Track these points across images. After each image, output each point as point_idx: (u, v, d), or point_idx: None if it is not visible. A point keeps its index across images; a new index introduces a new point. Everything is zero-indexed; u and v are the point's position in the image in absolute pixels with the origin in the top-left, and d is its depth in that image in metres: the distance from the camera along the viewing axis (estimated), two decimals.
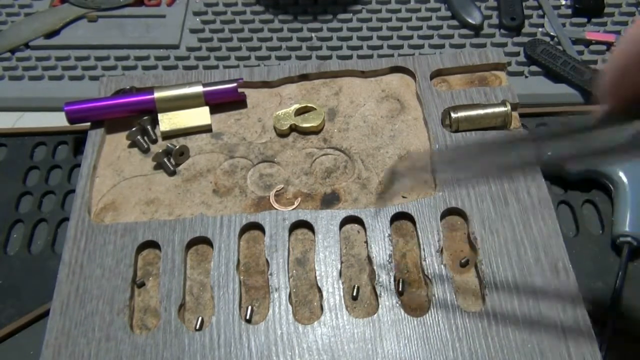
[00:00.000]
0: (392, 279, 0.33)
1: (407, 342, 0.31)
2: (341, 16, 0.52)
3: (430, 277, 0.33)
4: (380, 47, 0.50)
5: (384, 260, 0.34)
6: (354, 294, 0.33)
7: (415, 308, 0.33)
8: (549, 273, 0.32)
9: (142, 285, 0.34)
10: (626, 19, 0.50)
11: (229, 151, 0.40)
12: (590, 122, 0.24)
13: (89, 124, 0.41)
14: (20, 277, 0.38)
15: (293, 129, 0.40)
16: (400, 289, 0.33)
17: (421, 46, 0.50)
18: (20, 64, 0.50)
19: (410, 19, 0.51)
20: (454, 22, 0.51)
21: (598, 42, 0.48)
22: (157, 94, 0.40)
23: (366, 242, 0.35)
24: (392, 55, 0.49)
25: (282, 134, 0.40)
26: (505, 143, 0.26)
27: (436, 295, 0.32)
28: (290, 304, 0.33)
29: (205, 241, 0.35)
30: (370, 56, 0.49)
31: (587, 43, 0.48)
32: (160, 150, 0.38)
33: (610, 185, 0.38)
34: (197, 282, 0.34)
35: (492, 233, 0.34)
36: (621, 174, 0.37)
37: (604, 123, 0.23)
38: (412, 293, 0.33)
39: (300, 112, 0.41)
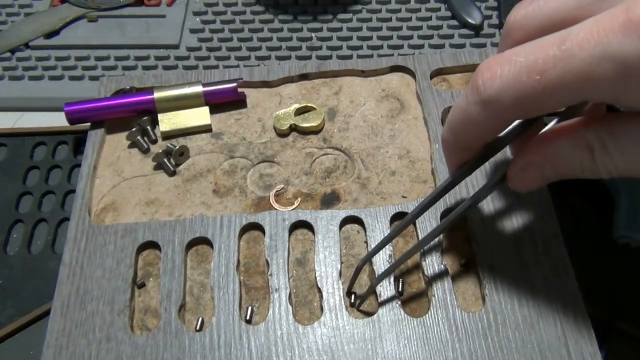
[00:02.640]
0: (392, 279, 0.33)
1: (407, 342, 0.31)
2: (341, 16, 0.52)
3: (430, 277, 0.33)
4: (380, 47, 0.50)
5: (384, 260, 0.34)
6: (400, 289, 0.33)
7: (415, 308, 0.33)
8: (549, 273, 0.32)
9: (142, 285, 0.34)
10: None
11: (229, 151, 0.40)
12: (445, 184, 0.29)
13: (89, 124, 0.41)
14: (20, 277, 0.38)
15: (293, 128, 0.40)
16: (400, 289, 0.33)
17: (421, 46, 0.50)
18: (20, 64, 0.50)
19: (410, 19, 0.52)
20: (454, 22, 0.51)
21: None
22: (157, 94, 0.40)
23: (366, 242, 0.35)
24: (392, 55, 0.49)
25: (282, 134, 0.40)
26: (399, 231, 0.31)
27: (436, 295, 0.32)
28: (290, 304, 0.33)
29: (205, 241, 0.35)
30: (370, 56, 0.49)
31: None
32: (160, 151, 0.38)
33: (610, 185, 0.38)
34: (197, 283, 0.34)
35: (492, 233, 0.34)
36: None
37: (451, 185, 0.29)
38: (412, 293, 0.33)
39: (300, 111, 0.41)
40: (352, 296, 0.33)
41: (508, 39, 0.24)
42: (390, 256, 0.34)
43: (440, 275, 0.33)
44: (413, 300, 0.33)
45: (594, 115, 0.23)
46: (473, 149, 0.27)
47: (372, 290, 0.32)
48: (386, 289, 0.33)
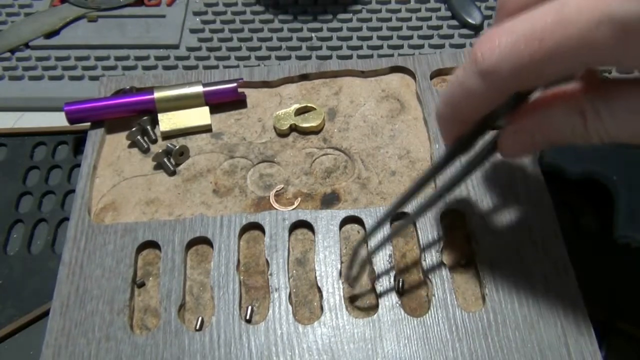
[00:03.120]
0: (392, 279, 0.33)
1: (407, 342, 0.31)
2: (341, 16, 0.52)
3: (430, 277, 0.33)
4: (380, 47, 0.50)
5: (384, 260, 0.34)
6: (400, 289, 0.33)
7: (415, 308, 0.33)
8: (549, 273, 0.32)
9: (142, 285, 0.34)
10: None
11: (229, 151, 0.40)
12: (439, 162, 0.29)
13: (89, 124, 0.41)
14: (20, 277, 0.38)
15: (293, 129, 0.40)
16: (400, 289, 0.33)
17: (421, 46, 0.50)
18: (20, 64, 0.50)
19: (410, 19, 0.52)
20: (454, 22, 0.51)
21: None
22: (157, 94, 0.40)
23: (366, 242, 0.35)
24: (392, 55, 0.49)
25: (282, 134, 0.40)
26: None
27: (436, 295, 0.32)
28: (290, 304, 0.33)
29: (205, 241, 0.35)
30: (370, 56, 0.49)
31: None
32: (160, 150, 0.38)
33: (610, 185, 0.38)
34: (197, 282, 0.34)
35: (492, 233, 0.34)
36: (621, 174, 0.37)
37: (449, 158, 0.28)
38: (412, 293, 0.33)
39: (300, 112, 0.41)
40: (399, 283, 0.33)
41: (503, 9, 0.25)
42: (390, 256, 0.34)
43: (440, 275, 0.33)
44: (413, 300, 0.33)
45: (587, 82, 0.23)
46: (470, 122, 0.26)
47: (365, 265, 0.32)
48: (386, 288, 0.33)
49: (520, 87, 0.23)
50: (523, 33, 0.21)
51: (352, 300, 0.33)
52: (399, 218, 0.35)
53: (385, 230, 0.35)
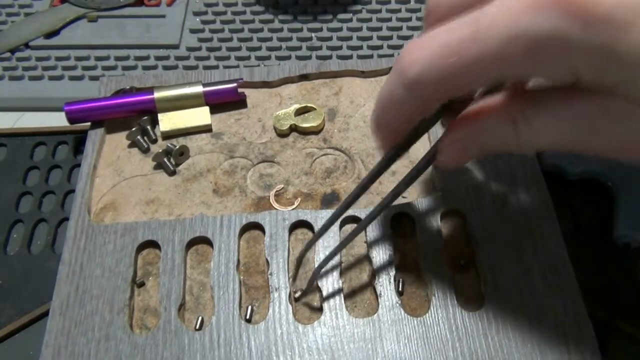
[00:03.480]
0: (392, 279, 0.33)
1: (407, 342, 0.31)
2: (341, 16, 0.52)
3: (430, 277, 0.33)
4: (380, 47, 0.50)
5: (384, 260, 0.34)
6: (400, 289, 0.33)
7: (415, 308, 0.33)
8: (549, 273, 0.32)
9: (142, 285, 0.34)
10: None
11: (229, 151, 0.40)
12: (377, 168, 0.29)
13: (89, 124, 0.41)
14: (20, 277, 0.38)
15: (293, 129, 0.40)
16: (400, 289, 0.33)
17: None
18: (20, 64, 0.50)
19: (410, 19, 0.52)
20: None
21: None
22: (157, 94, 0.40)
23: (366, 242, 0.35)
24: (392, 55, 0.49)
25: (282, 134, 0.40)
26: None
27: (436, 295, 0.32)
28: (290, 303, 0.33)
29: (205, 241, 0.35)
30: (370, 56, 0.49)
31: None
32: (160, 150, 0.39)
33: (611, 185, 0.38)
34: (197, 282, 0.34)
35: (492, 233, 0.34)
36: (621, 174, 0.37)
37: (389, 162, 0.29)
38: (412, 293, 0.33)
39: (300, 112, 0.41)
40: (298, 292, 0.33)
41: (429, 17, 0.25)
42: (390, 256, 0.34)
43: (440, 275, 0.33)
44: (413, 300, 0.33)
45: (517, 90, 0.24)
46: (400, 131, 0.27)
47: (312, 282, 0.33)
48: (386, 288, 0.33)
49: (445, 98, 0.23)
50: (442, 46, 0.21)
51: (297, 299, 0.33)
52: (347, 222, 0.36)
53: (385, 228, 0.35)
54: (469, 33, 0.20)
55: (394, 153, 0.28)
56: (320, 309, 0.33)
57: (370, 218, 0.31)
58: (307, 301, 0.33)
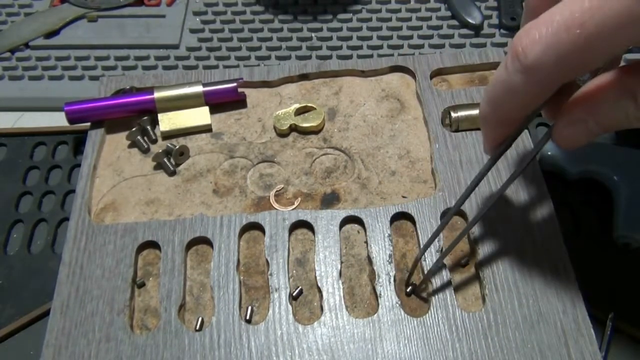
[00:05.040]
0: (392, 279, 0.33)
1: (407, 342, 0.31)
2: (341, 16, 0.52)
3: (430, 277, 0.33)
4: (380, 47, 0.50)
5: (384, 260, 0.34)
6: (409, 290, 0.33)
7: (415, 308, 0.33)
8: (549, 273, 0.32)
9: (142, 285, 0.34)
10: None
11: (229, 151, 0.40)
12: (487, 166, 0.29)
13: (89, 124, 0.41)
14: (20, 277, 0.38)
15: (293, 128, 0.40)
16: (400, 289, 0.33)
17: (421, 46, 0.50)
18: (20, 64, 0.50)
19: (410, 19, 0.51)
20: (454, 22, 0.51)
21: None
22: (157, 94, 0.40)
23: (366, 242, 0.35)
24: (392, 55, 0.49)
25: (282, 134, 0.40)
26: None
27: (436, 295, 0.32)
28: (290, 304, 0.33)
29: (205, 241, 0.35)
30: (370, 56, 0.49)
31: None
32: (160, 150, 0.38)
33: (610, 185, 0.38)
34: (197, 283, 0.34)
35: (492, 233, 0.34)
36: (621, 174, 0.37)
37: (499, 156, 0.29)
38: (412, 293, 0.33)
39: (300, 111, 0.41)
40: (410, 287, 0.33)
41: (530, 6, 0.24)
42: (390, 256, 0.34)
43: (440, 275, 0.33)
44: (413, 300, 0.33)
45: (631, 65, 0.23)
46: (514, 122, 0.26)
47: (427, 280, 0.33)
48: (386, 288, 0.33)
49: (565, 79, 0.23)
50: (563, 21, 0.21)
51: (408, 294, 0.33)
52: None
53: (385, 228, 0.35)
54: (590, 1, 0.20)
55: (505, 146, 0.28)
56: (320, 309, 0.33)
57: (488, 208, 0.30)
58: (307, 301, 0.33)
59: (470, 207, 0.35)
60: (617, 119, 0.24)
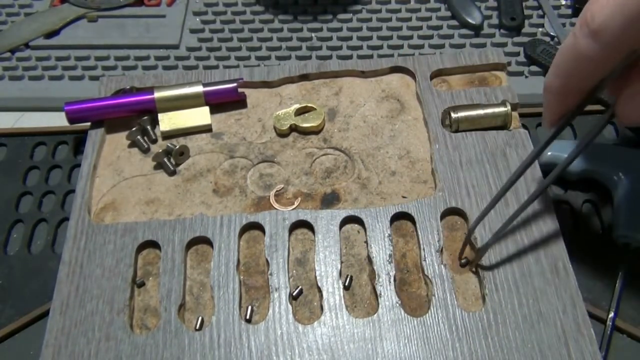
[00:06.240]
0: (392, 279, 0.33)
1: (407, 342, 0.31)
2: (341, 16, 0.52)
3: (430, 277, 0.33)
4: (380, 47, 0.50)
5: (384, 260, 0.34)
6: (346, 283, 0.33)
7: (415, 308, 0.33)
8: (549, 273, 0.32)
9: (142, 285, 0.34)
10: None
11: (229, 151, 0.40)
12: (546, 139, 0.29)
13: (89, 124, 0.41)
14: (20, 277, 0.38)
15: (293, 129, 0.40)
16: (400, 289, 0.33)
17: (421, 46, 0.50)
18: (20, 64, 0.50)
19: (410, 19, 0.52)
20: (454, 22, 0.51)
21: None
22: (157, 94, 0.40)
23: (366, 242, 0.35)
24: (392, 55, 0.49)
25: (282, 134, 0.40)
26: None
27: (436, 295, 0.32)
28: (290, 303, 0.33)
29: (205, 241, 0.35)
30: (370, 56, 0.49)
31: None
32: (160, 150, 0.38)
33: (610, 185, 0.38)
34: (197, 282, 0.34)
35: (492, 233, 0.34)
36: (621, 174, 0.37)
37: (559, 131, 0.28)
38: (412, 293, 0.33)
39: (300, 112, 0.41)
40: (464, 259, 0.34)
41: None
42: (390, 256, 0.34)
43: (440, 275, 0.33)
44: (413, 300, 0.33)
45: None
46: (579, 93, 0.26)
47: (481, 255, 0.33)
48: (386, 288, 0.33)
49: (632, 43, 0.23)
50: None
51: (463, 265, 0.34)
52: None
53: (385, 228, 0.35)
54: None
55: (566, 121, 0.27)
56: (320, 309, 0.33)
57: (569, 162, 0.29)
58: (307, 301, 0.33)
59: (470, 207, 0.35)
60: None
